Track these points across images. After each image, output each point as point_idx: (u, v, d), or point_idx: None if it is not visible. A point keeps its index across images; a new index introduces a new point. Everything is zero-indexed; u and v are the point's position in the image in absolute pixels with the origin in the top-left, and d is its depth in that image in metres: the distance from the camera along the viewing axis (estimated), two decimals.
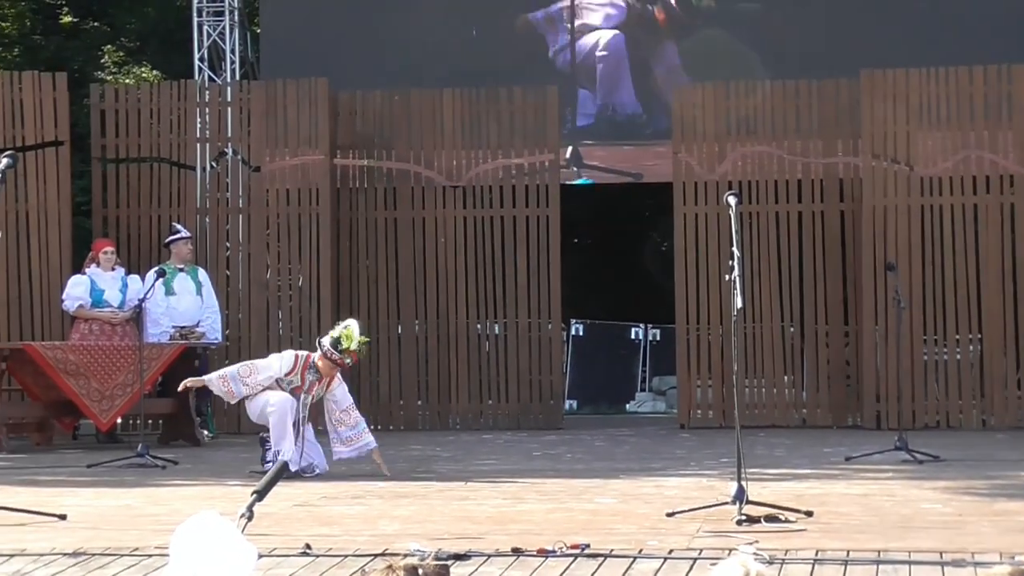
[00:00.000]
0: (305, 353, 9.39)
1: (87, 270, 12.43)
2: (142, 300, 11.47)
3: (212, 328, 12.55)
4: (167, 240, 12.89)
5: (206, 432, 12.46)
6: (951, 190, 13.37)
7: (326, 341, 9.25)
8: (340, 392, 9.43)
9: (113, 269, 12.46)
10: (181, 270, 12.58)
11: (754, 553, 5.79)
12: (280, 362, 9.31)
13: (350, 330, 9.24)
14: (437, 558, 5.57)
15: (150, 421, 12.72)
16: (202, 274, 12.74)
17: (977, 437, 12.22)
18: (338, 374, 9.39)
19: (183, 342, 12.16)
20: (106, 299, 12.29)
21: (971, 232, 13.31)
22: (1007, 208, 13.34)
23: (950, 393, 13.27)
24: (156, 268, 12.58)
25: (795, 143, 13.72)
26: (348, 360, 9.26)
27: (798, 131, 13.72)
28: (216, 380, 9.35)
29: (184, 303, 12.49)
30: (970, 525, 6.87)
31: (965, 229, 13.32)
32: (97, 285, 12.33)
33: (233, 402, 9.85)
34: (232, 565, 3.26)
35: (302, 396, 9.25)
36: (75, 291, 12.30)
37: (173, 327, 12.40)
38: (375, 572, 2.94)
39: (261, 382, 9.25)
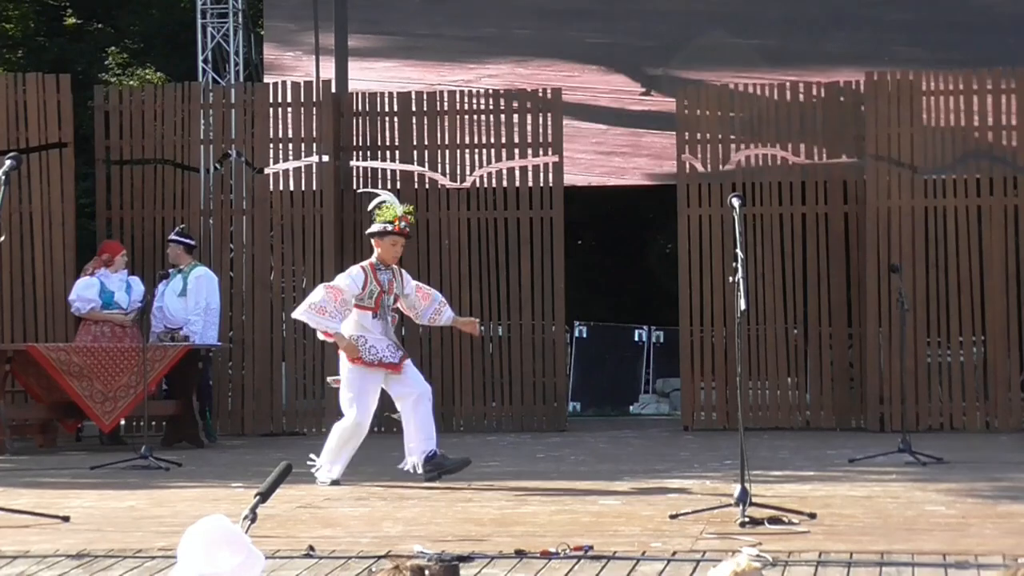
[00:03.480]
0: (364, 263, 9.04)
1: (96, 272, 12.42)
2: (143, 302, 11.46)
3: (193, 332, 12.28)
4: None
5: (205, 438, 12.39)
6: (955, 192, 13.36)
7: (374, 228, 8.97)
8: (409, 280, 9.21)
9: (118, 271, 12.47)
10: (180, 272, 12.51)
11: (757, 555, 5.78)
12: (350, 281, 8.88)
13: (387, 204, 8.99)
14: (440, 560, 5.57)
15: (153, 423, 12.72)
16: (193, 276, 12.44)
17: (981, 439, 12.22)
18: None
19: (185, 344, 12.13)
20: (116, 301, 12.30)
21: (975, 234, 13.30)
22: (1011, 210, 13.33)
23: (954, 395, 13.26)
24: (162, 271, 12.62)
25: (799, 145, 13.72)
26: (403, 225, 8.96)
27: (802, 133, 13.72)
28: (312, 317, 8.87)
29: (171, 305, 12.39)
30: (973, 527, 6.87)
31: (969, 231, 13.31)
32: (106, 287, 12.33)
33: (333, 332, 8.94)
34: (241, 570, 3.26)
35: (384, 299, 8.93)
36: (87, 293, 12.28)
37: (165, 328, 12.36)
38: (382, 572, 2.93)
39: (347, 304, 8.82)
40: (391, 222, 8.93)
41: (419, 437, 9.05)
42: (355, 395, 8.99)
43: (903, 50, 14.74)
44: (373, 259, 9.02)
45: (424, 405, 9.13)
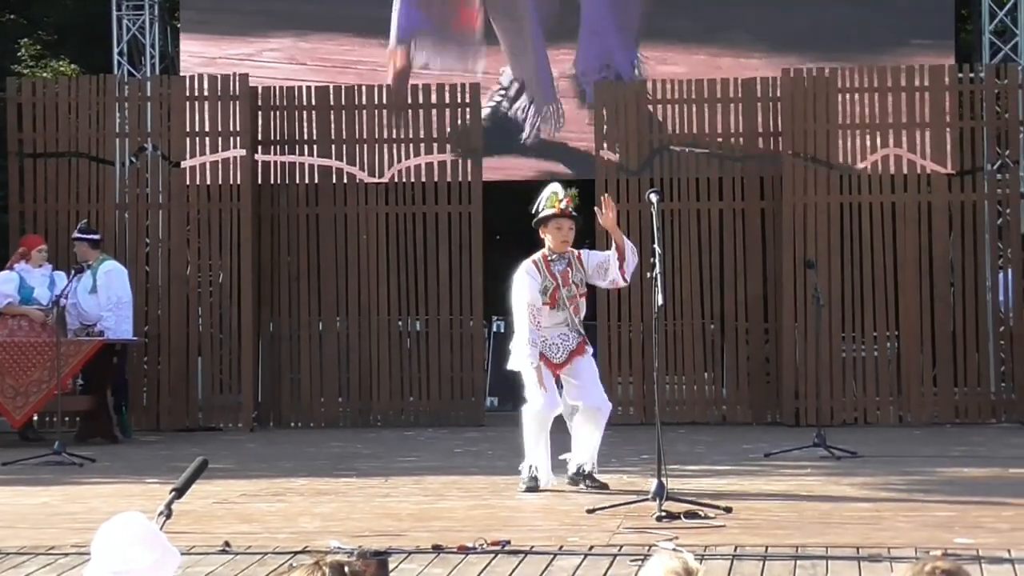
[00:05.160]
0: (536, 255, 8.56)
1: (16, 267, 12.25)
2: (58, 296, 11.32)
3: (107, 327, 12.11)
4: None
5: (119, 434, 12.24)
6: (870, 189, 13.50)
7: (544, 212, 8.39)
8: (591, 260, 8.50)
9: (40, 266, 12.31)
10: (89, 267, 12.32)
11: (673, 549, 5.81)
12: (529, 281, 8.53)
13: (552, 193, 8.38)
14: (361, 555, 5.55)
15: (67, 418, 12.57)
16: (102, 272, 12.27)
17: (894, 433, 12.35)
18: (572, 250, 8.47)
19: (100, 339, 11.99)
20: (36, 296, 12.14)
21: (889, 230, 13.45)
22: (924, 207, 13.48)
23: (868, 390, 13.39)
24: (76, 264, 12.46)
25: (716, 141, 13.79)
26: (565, 206, 8.32)
27: (719, 129, 13.79)
28: (527, 366, 8.75)
29: (83, 302, 12.24)
30: (887, 520, 6.94)
31: (883, 227, 13.45)
32: (27, 282, 12.18)
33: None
34: (156, 568, 3.23)
35: (561, 293, 8.46)
36: (5, 288, 12.11)
37: (81, 324, 12.22)
38: (302, 568, 2.91)
39: (540, 314, 8.54)
40: (553, 206, 8.35)
41: (578, 450, 8.64)
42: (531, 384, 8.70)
43: (821, 45, 14.84)
44: (545, 249, 8.49)
45: (589, 423, 8.64)
